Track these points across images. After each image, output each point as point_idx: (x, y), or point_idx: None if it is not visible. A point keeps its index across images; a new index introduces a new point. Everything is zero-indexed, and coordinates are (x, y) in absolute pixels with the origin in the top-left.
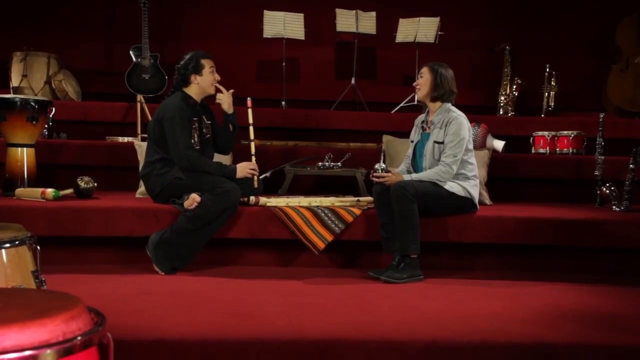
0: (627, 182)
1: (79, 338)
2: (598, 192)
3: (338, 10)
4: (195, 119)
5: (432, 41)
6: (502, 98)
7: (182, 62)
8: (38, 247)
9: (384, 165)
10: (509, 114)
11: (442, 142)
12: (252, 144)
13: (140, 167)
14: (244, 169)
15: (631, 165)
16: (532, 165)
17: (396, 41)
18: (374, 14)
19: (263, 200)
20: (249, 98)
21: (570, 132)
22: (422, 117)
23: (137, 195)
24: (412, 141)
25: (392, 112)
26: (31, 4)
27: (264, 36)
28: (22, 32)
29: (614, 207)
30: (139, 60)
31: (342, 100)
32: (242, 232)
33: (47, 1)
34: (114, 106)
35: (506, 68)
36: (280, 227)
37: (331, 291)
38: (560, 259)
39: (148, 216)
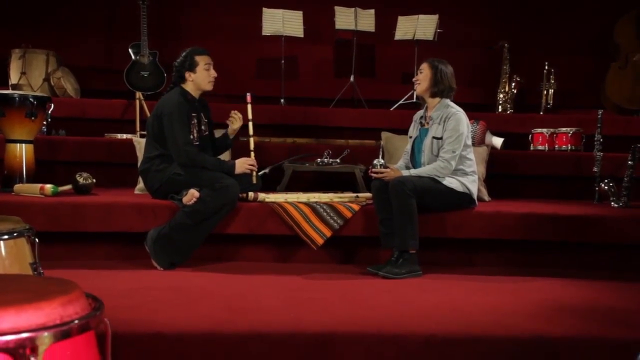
0: (625, 179)
1: (76, 321)
2: (597, 188)
3: (337, 8)
4: (194, 114)
5: (431, 39)
6: (501, 96)
7: (178, 59)
8: (37, 240)
9: (382, 161)
10: (508, 112)
11: (441, 138)
12: (252, 140)
13: (139, 163)
14: (242, 164)
15: (630, 162)
16: (531, 162)
17: (395, 39)
18: (372, 11)
19: (262, 196)
20: (248, 93)
21: (568, 129)
22: (420, 112)
23: (136, 192)
24: (410, 137)
25: (391, 109)
26: (31, 2)
27: (263, 34)
28: (21, 30)
29: (612, 203)
30: (137, 57)
31: (341, 97)
32: (240, 228)
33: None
34: (113, 103)
35: (505, 66)
36: (278, 223)
37: (330, 286)
38: (559, 254)
39: (147, 212)
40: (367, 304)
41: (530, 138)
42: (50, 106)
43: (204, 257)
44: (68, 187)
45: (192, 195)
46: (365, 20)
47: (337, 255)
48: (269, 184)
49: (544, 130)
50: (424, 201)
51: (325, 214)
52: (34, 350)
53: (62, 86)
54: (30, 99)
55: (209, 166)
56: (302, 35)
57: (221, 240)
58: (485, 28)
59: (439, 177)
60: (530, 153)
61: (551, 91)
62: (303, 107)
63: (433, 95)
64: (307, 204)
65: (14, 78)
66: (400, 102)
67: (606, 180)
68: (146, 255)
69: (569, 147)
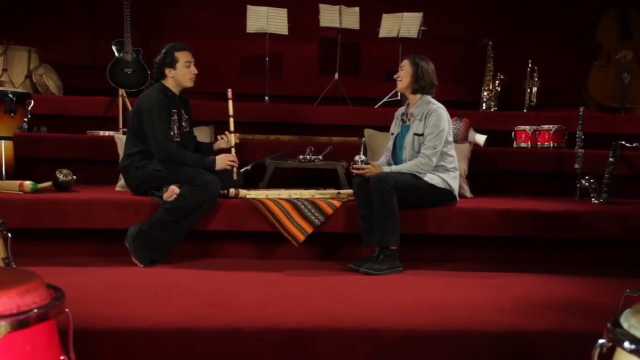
0: (606, 175)
1: (34, 310)
2: (578, 185)
3: (322, 6)
4: (174, 110)
5: (415, 36)
6: (485, 93)
7: (159, 56)
8: (9, 234)
9: (364, 157)
10: (492, 109)
11: (422, 134)
12: (232, 136)
13: (120, 160)
14: (223, 160)
15: (610, 159)
16: (513, 159)
17: (379, 36)
18: (357, 9)
19: (243, 192)
20: (229, 89)
21: (551, 126)
22: (402, 109)
23: (117, 188)
24: (392, 133)
25: (375, 107)
26: None
27: (248, 31)
28: (2, 26)
29: (593, 199)
30: (121, 54)
31: (326, 95)
32: (221, 225)
33: None
34: (96, 100)
35: (489, 64)
36: (260, 219)
37: (310, 282)
38: (540, 250)
39: (127, 208)
40: (347, 300)
41: (513, 135)
42: (30, 102)
43: (185, 253)
44: (48, 184)
45: (172, 191)
46: (350, 18)
47: (318, 252)
48: (252, 181)
49: (527, 127)
50: (405, 197)
51: (306, 210)
52: None
53: (45, 83)
54: (10, 95)
55: (190, 162)
56: (286, 33)
57: (202, 237)
58: (470, 26)
59: (420, 173)
60: (513, 150)
61: (535, 89)
62: (287, 104)
63: (414, 92)
64: (288, 200)
65: None
66: (385, 99)
67: (587, 177)
68: (126, 252)
69: (551, 145)
